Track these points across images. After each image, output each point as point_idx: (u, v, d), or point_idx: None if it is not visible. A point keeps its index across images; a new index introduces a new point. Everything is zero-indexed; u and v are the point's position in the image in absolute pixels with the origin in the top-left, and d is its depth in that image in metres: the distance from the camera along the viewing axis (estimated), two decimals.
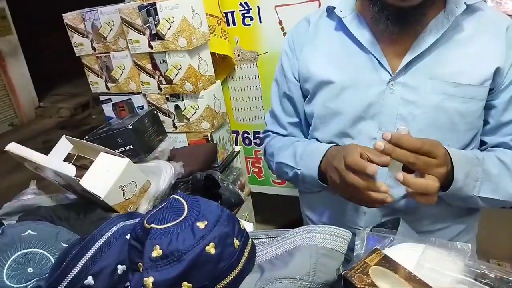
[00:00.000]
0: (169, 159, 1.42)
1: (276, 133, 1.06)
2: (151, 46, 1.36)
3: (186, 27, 1.29)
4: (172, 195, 0.70)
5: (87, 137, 1.33)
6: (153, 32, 1.34)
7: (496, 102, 0.82)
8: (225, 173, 1.57)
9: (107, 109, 1.59)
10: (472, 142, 0.86)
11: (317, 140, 0.95)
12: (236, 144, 1.89)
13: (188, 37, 1.30)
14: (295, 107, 0.99)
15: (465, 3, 0.79)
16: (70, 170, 1.01)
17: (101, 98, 1.59)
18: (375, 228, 0.82)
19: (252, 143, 1.88)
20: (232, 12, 1.65)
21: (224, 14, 1.65)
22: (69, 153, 1.17)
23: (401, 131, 0.69)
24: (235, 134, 1.89)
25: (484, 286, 0.57)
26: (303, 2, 1.51)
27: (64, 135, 1.18)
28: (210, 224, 0.62)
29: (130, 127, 1.25)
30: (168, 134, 1.45)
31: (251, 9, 1.62)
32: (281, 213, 1.90)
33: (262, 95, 1.74)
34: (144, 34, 1.35)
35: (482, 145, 0.89)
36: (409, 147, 0.67)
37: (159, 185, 1.22)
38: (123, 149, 1.29)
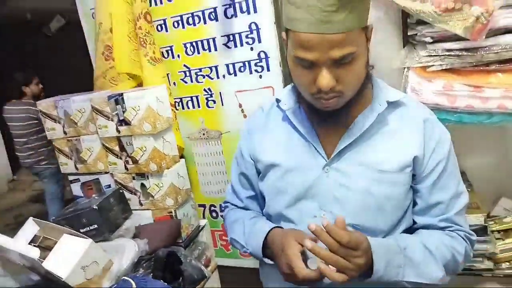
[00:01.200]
0: (135, 236, 1.48)
1: (234, 205, 1.16)
2: (118, 131, 1.49)
3: (151, 114, 1.43)
4: (123, 277, 0.77)
5: (54, 217, 1.39)
6: (120, 119, 1.47)
7: (420, 187, 0.94)
8: (190, 248, 1.63)
9: (75, 188, 1.67)
10: (400, 222, 0.96)
11: (269, 213, 1.05)
12: (204, 217, 1.96)
13: (152, 122, 1.43)
14: (251, 183, 1.10)
15: (387, 101, 0.93)
16: (33, 252, 1.07)
17: (70, 178, 1.67)
18: None
19: (219, 216, 1.96)
20: (197, 96, 1.82)
21: (173, 102, 1.80)
22: (35, 235, 1.22)
23: (323, 221, 0.79)
24: (202, 208, 1.97)
25: None
26: (259, 88, 1.69)
27: (31, 218, 1.24)
28: None
29: (95, 207, 1.33)
30: (133, 211, 1.54)
31: (213, 93, 1.79)
32: (250, 285, 1.91)
33: (226, 170, 1.86)
34: (112, 120, 1.48)
35: (414, 223, 0.98)
36: (336, 239, 0.77)
37: (121, 263, 1.27)
38: (88, 228, 1.36)
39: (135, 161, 1.51)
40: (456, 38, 1.18)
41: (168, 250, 1.34)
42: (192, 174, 1.92)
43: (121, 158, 1.54)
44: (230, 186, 1.18)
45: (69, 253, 1.11)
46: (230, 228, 1.11)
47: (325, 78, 0.79)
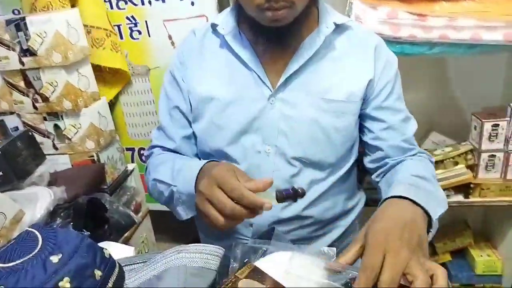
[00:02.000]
0: (50, 184, 1.30)
1: (163, 147, 0.99)
2: (22, 63, 1.25)
3: (61, 42, 1.21)
4: (26, 228, 0.63)
5: None
6: (24, 48, 1.23)
7: (368, 111, 0.89)
8: (117, 194, 1.49)
9: None
10: (349, 154, 0.92)
11: (206, 152, 0.93)
12: (133, 161, 1.81)
13: (63, 52, 1.22)
14: (186, 119, 0.95)
15: (334, 23, 0.85)
16: None
17: None
18: (251, 239, 0.84)
19: None
20: (119, 26, 1.59)
21: (114, 27, 1.58)
22: None
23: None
24: (131, 152, 1.82)
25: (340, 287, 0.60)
26: (191, 18, 1.51)
27: None
28: (65, 257, 0.57)
29: None
30: (47, 156, 1.34)
31: (138, 23, 1.58)
32: (184, 231, 1.85)
33: (156, 110, 1.70)
34: (13, 50, 1.24)
35: (378, 161, 0.92)
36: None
37: (35, 213, 1.12)
38: None
39: (45, 99, 1.29)
40: None
41: (89, 197, 1.20)
42: (118, 115, 1.74)
43: (28, 96, 1.31)
44: (157, 128, 1.02)
45: None
46: (153, 171, 0.92)
47: None
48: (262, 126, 0.87)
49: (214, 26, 0.90)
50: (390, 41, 1.19)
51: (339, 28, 0.87)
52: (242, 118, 0.87)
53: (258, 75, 0.86)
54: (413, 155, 0.91)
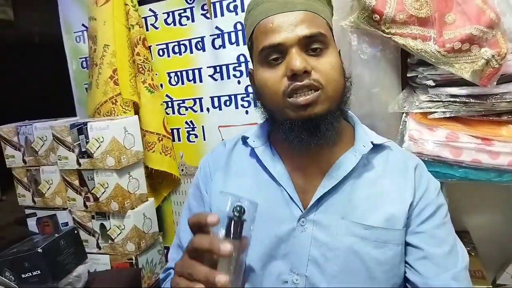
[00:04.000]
0: (88, 284, 1.29)
1: None
2: (79, 163, 1.33)
3: (116, 147, 1.27)
4: None
5: None
6: (82, 150, 1.31)
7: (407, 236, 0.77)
8: None
9: (31, 224, 1.49)
10: None
11: None
12: None
13: (116, 156, 1.28)
14: None
15: (372, 142, 0.80)
16: None
17: (27, 212, 1.50)
18: None
19: None
20: (178, 129, 1.67)
21: (170, 131, 1.66)
22: None
23: None
24: None
25: None
26: (244, 125, 1.54)
27: None
28: None
29: (40, 250, 1.14)
30: (90, 255, 1.35)
31: (196, 127, 1.64)
32: None
33: None
34: (73, 151, 1.32)
35: None
36: None
37: None
38: (30, 274, 1.17)
39: (95, 198, 1.34)
40: (462, 82, 1.03)
41: None
42: (167, 213, 1.75)
43: (80, 194, 1.37)
44: (174, 247, 0.93)
45: None
46: None
47: (296, 59, 0.70)
48: (290, 252, 0.76)
49: (244, 139, 0.88)
50: (451, 165, 1.08)
51: (377, 148, 0.81)
52: (267, 241, 0.78)
53: (288, 193, 0.79)
54: None
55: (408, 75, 1.12)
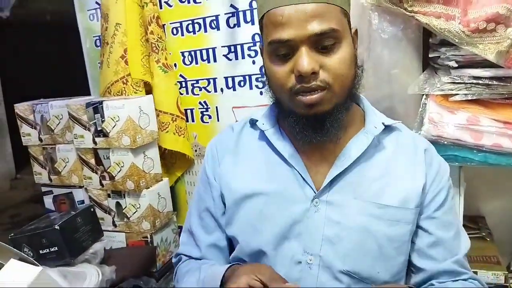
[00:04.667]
0: (103, 261, 1.31)
1: (189, 256, 0.91)
2: (95, 142, 1.34)
3: (131, 126, 1.28)
4: None
5: (12, 234, 1.23)
6: (98, 129, 1.31)
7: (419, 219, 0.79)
8: (166, 278, 1.45)
9: (48, 201, 1.52)
10: (402, 271, 0.80)
11: (241, 258, 0.84)
12: None
13: (132, 136, 1.28)
14: (216, 223, 0.88)
15: (383, 123, 0.80)
16: None
17: (43, 189, 1.52)
18: None
19: None
20: (191, 109, 1.67)
21: (183, 111, 1.66)
22: None
23: None
24: None
25: None
26: (259, 106, 1.52)
27: None
28: None
29: (57, 227, 1.16)
30: (106, 232, 1.37)
31: (209, 108, 1.63)
32: None
33: None
34: (89, 130, 1.33)
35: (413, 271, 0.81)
36: None
37: None
38: (48, 250, 1.20)
39: (111, 177, 1.35)
40: (486, 64, 0.99)
41: (134, 281, 1.17)
42: (181, 193, 1.76)
43: (96, 173, 1.38)
44: (186, 231, 0.94)
45: (14, 282, 0.95)
46: (181, 281, 0.87)
47: (305, 59, 0.67)
48: (304, 232, 0.77)
49: (253, 122, 0.87)
50: (471, 149, 1.06)
51: (387, 129, 0.81)
52: (281, 221, 0.78)
53: (300, 174, 0.78)
54: (464, 280, 0.78)
55: (430, 55, 1.09)
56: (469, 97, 1.03)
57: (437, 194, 0.79)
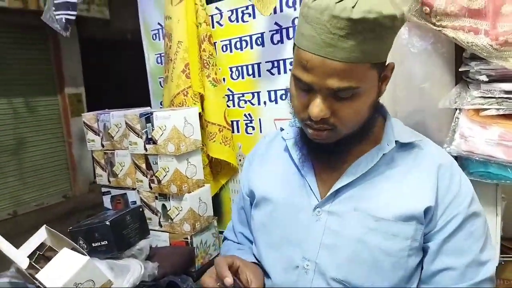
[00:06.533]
0: (149, 258, 1.44)
1: (231, 240, 1.09)
2: (145, 149, 1.48)
3: (176, 135, 1.40)
4: None
5: (71, 227, 1.41)
6: (149, 137, 1.46)
7: (429, 245, 0.78)
8: None
9: (106, 201, 1.69)
10: (407, 283, 0.79)
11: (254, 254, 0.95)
12: None
13: (176, 143, 1.40)
14: (248, 220, 1.02)
15: (397, 141, 0.80)
16: (23, 262, 1.07)
17: (103, 190, 1.70)
18: None
19: None
20: (237, 121, 1.77)
21: (230, 122, 1.76)
22: (42, 243, 1.23)
23: None
24: None
25: None
26: None
27: (44, 225, 1.26)
28: None
29: (107, 223, 1.31)
30: (152, 232, 1.50)
31: (253, 120, 1.72)
32: None
33: None
34: (141, 138, 1.48)
35: None
36: None
37: (122, 284, 1.23)
38: (99, 243, 1.34)
39: (158, 181, 1.48)
40: None
41: (171, 278, 1.27)
42: (225, 200, 1.86)
43: (146, 176, 1.52)
44: (231, 221, 1.11)
45: (64, 268, 1.10)
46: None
47: (317, 107, 0.70)
48: (304, 238, 0.82)
49: (281, 130, 0.95)
50: (505, 166, 1.02)
51: (406, 146, 0.81)
52: (286, 226, 0.85)
53: (308, 183, 0.84)
54: None
55: (461, 69, 1.07)
56: (501, 112, 1.00)
57: (452, 218, 0.76)
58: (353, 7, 0.63)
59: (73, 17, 1.64)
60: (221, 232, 1.85)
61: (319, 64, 0.68)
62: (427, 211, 0.76)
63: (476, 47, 0.96)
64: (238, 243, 1.06)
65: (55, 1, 1.62)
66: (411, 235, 0.76)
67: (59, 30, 1.63)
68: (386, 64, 0.75)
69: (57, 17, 1.61)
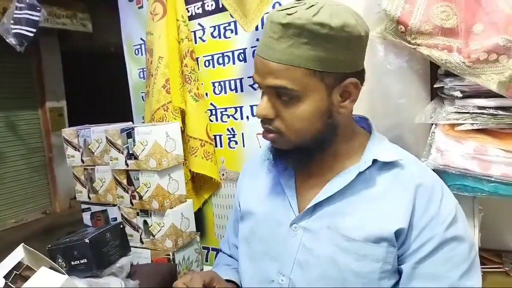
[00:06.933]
0: (129, 276, 1.41)
1: (224, 252, 1.09)
2: (127, 164, 1.47)
3: (157, 150, 1.39)
4: None
5: (49, 246, 1.38)
6: (130, 152, 1.45)
7: (402, 268, 0.75)
8: None
9: (86, 218, 1.66)
10: None
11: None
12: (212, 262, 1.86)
13: (158, 159, 1.39)
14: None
15: (375, 160, 0.78)
16: None
17: (82, 206, 1.67)
18: None
19: None
20: (220, 135, 1.77)
21: (212, 137, 1.76)
22: (19, 262, 1.20)
23: None
24: (215, 252, 1.87)
25: None
26: None
27: (22, 244, 1.23)
28: None
29: (87, 241, 1.28)
30: (133, 249, 1.48)
31: (236, 134, 1.73)
32: None
33: None
34: (122, 153, 1.47)
35: None
36: None
37: None
38: (78, 262, 1.31)
39: (140, 197, 1.47)
40: (492, 94, 1.00)
41: None
42: (208, 216, 1.85)
43: (128, 192, 1.51)
44: (226, 232, 1.12)
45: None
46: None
47: (260, 105, 0.76)
48: (281, 253, 0.82)
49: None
50: (480, 179, 1.05)
51: (387, 165, 0.78)
52: (266, 240, 0.85)
53: (288, 198, 0.84)
54: None
55: (435, 85, 1.10)
56: (475, 127, 1.03)
57: (427, 241, 0.73)
58: (289, 14, 0.69)
59: (31, 34, 1.60)
60: (204, 248, 1.84)
61: (261, 65, 0.74)
62: (399, 233, 0.73)
63: (450, 64, 0.99)
64: (230, 256, 1.05)
65: (14, 15, 1.58)
66: (381, 257, 0.74)
67: (14, 44, 1.59)
68: (346, 79, 0.74)
69: (13, 31, 1.58)
